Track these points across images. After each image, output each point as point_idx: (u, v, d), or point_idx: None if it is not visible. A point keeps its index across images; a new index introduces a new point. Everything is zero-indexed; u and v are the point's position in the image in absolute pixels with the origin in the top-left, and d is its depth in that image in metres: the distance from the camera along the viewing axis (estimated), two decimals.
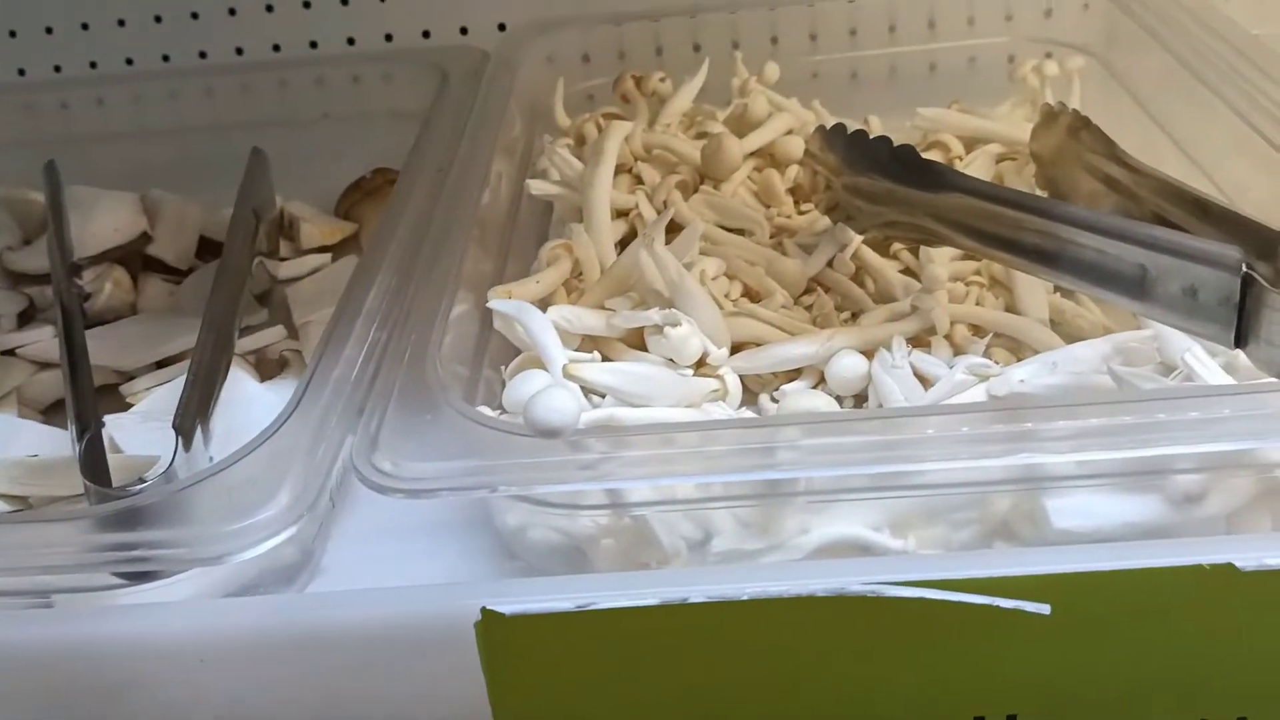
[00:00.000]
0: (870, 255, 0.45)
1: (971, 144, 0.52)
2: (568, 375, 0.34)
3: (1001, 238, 0.37)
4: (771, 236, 0.48)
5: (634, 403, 0.34)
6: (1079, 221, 0.33)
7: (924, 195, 0.40)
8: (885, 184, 0.42)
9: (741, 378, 0.40)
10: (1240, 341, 0.28)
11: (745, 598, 0.28)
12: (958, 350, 0.40)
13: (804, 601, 0.28)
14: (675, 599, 0.28)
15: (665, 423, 0.33)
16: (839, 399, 0.39)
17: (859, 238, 0.45)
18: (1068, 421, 0.30)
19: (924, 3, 0.64)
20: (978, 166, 0.50)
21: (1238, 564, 0.27)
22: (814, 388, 0.40)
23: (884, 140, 0.43)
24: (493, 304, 0.38)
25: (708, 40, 0.64)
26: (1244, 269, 0.28)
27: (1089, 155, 0.45)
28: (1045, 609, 0.27)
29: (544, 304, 0.40)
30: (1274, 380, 0.30)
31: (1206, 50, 0.47)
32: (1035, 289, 0.42)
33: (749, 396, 0.40)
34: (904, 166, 0.41)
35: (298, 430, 0.30)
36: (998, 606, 0.27)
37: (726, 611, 0.28)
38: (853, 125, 0.55)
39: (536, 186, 0.47)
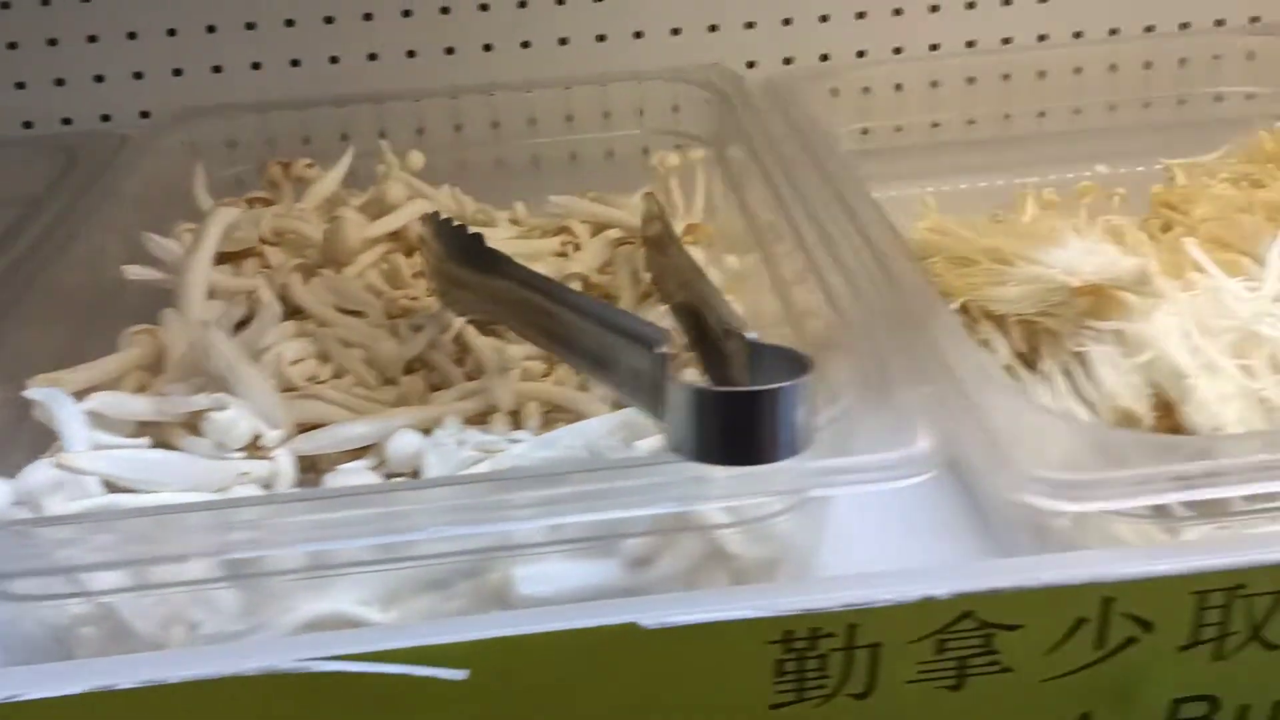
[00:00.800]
0: (472, 336, 0.47)
1: (599, 229, 0.55)
2: (61, 465, 0.34)
3: (533, 322, 0.39)
4: (395, 317, 0.50)
5: (142, 489, 0.35)
6: (572, 305, 0.36)
7: (487, 281, 0.42)
8: (465, 271, 0.44)
9: (315, 458, 0.41)
10: (660, 417, 0.31)
11: (176, 681, 0.28)
12: (520, 425, 0.42)
13: (238, 681, 0.28)
14: (104, 686, 0.28)
15: (124, 508, 0.33)
16: (397, 475, 0.40)
17: (461, 320, 0.47)
18: (532, 491, 0.32)
19: (598, 96, 0.67)
20: (593, 250, 0.53)
21: (641, 623, 0.29)
22: (380, 465, 0.41)
23: (462, 229, 0.45)
24: (28, 391, 0.38)
25: (393, 126, 0.67)
26: (658, 350, 0.31)
27: (670, 243, 0.48)
28: (462, 675, 0.28)
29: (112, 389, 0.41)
30: None
31: (780, 146, 0.51)
32: None
33: (315, 477, 0.41)
34: (477, 255, 0.44)
35: None
36: (413, 675, 0.28)
37: (160, 696, 0.28)
38: (501, 212, 0.59)
39: (134, 271, 0.47)
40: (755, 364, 0.32)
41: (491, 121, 0.68)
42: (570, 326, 0.35)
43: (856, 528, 0.36)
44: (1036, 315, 0.38)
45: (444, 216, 0.47)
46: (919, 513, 0.37)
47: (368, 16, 0.67)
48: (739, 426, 0.29)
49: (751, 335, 0.32)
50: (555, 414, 0.43)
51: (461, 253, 0.44)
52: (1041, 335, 0.38)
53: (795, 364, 0.30)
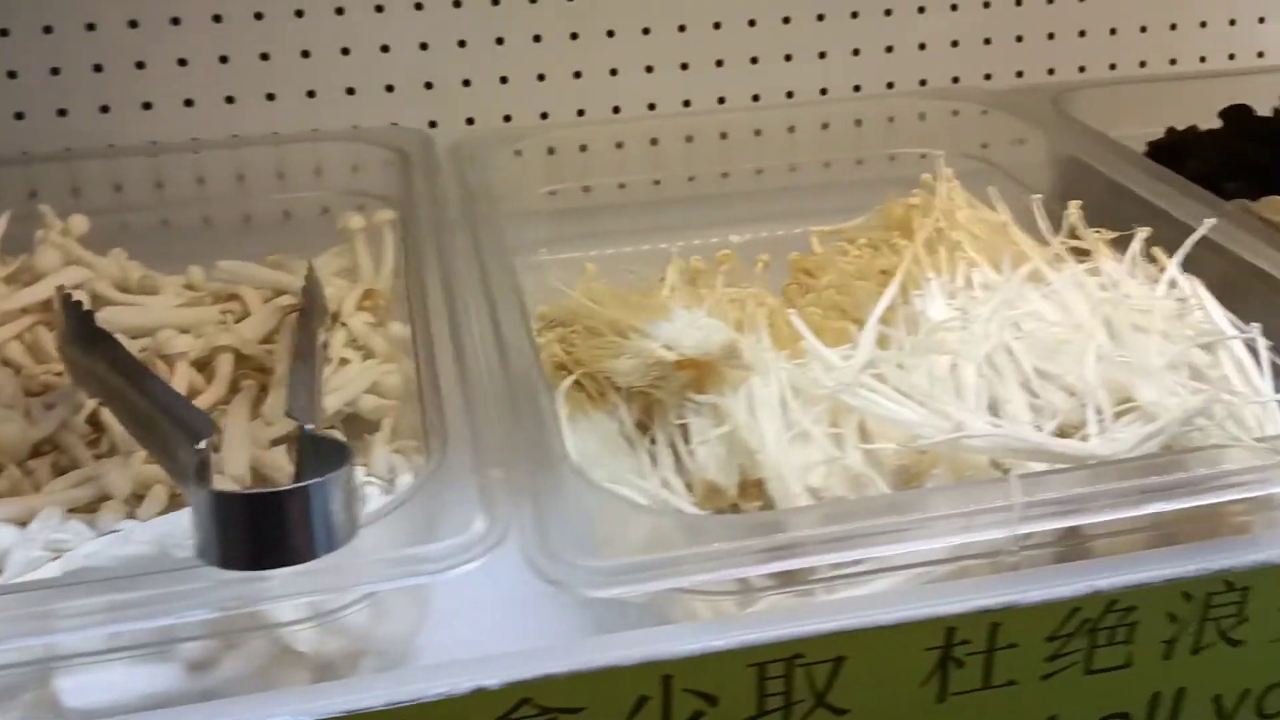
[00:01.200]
0: (107, 416, 0.45)
1: (275, 294, 0.54)
2: None
3: (123, 407, 0.37)
4: (35, 394, 0.47)
5: None
6: (145, 392, 0.34)
7: (92, 362, 0.40)
8: (77, 350, 0.42)
9: None
10: None
11: None
12: (131, 515, 0.40)
13: None
14: None
15: None
16: None
17: (93, 401, 0.45)
18: (87, 599, 0.30)
19: (310, 153, 0.66)
20: (260, 318, 0.51)
21: None
22: None
23: (77, 306, 0.43)
24: None
25: (86, 185, 0.64)
26: (198, 446, 0.30)
27: (308, 315, 0.47)
28: None
29: None
30: None
31: (445, 211, 0.51)
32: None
33: None
34: (89, 334, 0.41)
35: None
36: None
37: None
38: (176, 277, 0.57)
39: None
40: (309, 456, 0.31)
41: (197, 178, 0.65)
42: (144, 414, 0.34)
43: (460, 611, 0.36)
44: (647, 387, 0.38)
45: (68, 291, 0.44)
46: (523, 593, 0.37)
47: (55, 71, 0.64)
48: (263, 528, 0.28)
49: (308, 427, 0.31)
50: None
51: (77, 331, 0.42)
52: (655, 406, 0.39)
53: (339, 456, 0.29)
